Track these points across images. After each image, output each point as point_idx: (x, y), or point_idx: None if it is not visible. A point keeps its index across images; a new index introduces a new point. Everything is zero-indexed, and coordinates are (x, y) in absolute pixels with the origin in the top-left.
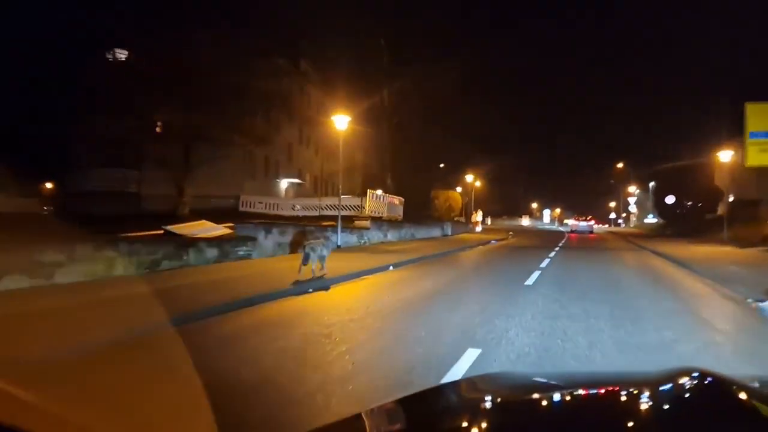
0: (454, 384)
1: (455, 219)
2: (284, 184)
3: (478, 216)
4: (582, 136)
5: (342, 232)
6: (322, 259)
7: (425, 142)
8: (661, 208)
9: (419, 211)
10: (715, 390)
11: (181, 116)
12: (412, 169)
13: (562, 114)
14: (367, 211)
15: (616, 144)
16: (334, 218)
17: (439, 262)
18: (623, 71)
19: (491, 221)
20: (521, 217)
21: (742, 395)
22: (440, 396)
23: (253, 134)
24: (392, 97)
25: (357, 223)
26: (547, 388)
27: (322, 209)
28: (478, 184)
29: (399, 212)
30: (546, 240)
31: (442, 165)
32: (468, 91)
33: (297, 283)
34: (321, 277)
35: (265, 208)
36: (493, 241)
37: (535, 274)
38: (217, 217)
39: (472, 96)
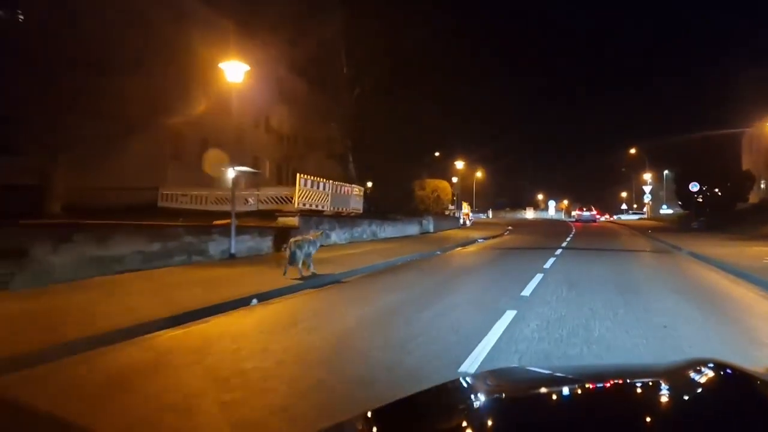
0: (466, 379)
1: (446, 212)
2: (232, 173)
3: (465, 209)
4: (591, 121)
5: (246, 234)
6: (308, 257)
7: (405, 122)
8: (682, 197)
9: (402, 203)
10: (731, 381)
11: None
12: (391, 154)
13: (569, 100)
14: (296, 204)
15: (628, 127)
16: (266, 213)
17: (365, 285)
18: (641, 36)
19: (492, 214)
20: (525, 209)
21: (760, 387)
22: (451, 392)
23: (159, 106)
24: (353, 60)
25: (280, 220)
26: (561, 382)
27: (261, 202)
28: (479, 174)
29: (355, 205)
30: (547, 237)
31: (437, 154)
32: (463, 64)
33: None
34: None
35: (192, 202)
36: (479, 240)
37: (503, 322)
38: (120, 215)
39: (469, 67)
